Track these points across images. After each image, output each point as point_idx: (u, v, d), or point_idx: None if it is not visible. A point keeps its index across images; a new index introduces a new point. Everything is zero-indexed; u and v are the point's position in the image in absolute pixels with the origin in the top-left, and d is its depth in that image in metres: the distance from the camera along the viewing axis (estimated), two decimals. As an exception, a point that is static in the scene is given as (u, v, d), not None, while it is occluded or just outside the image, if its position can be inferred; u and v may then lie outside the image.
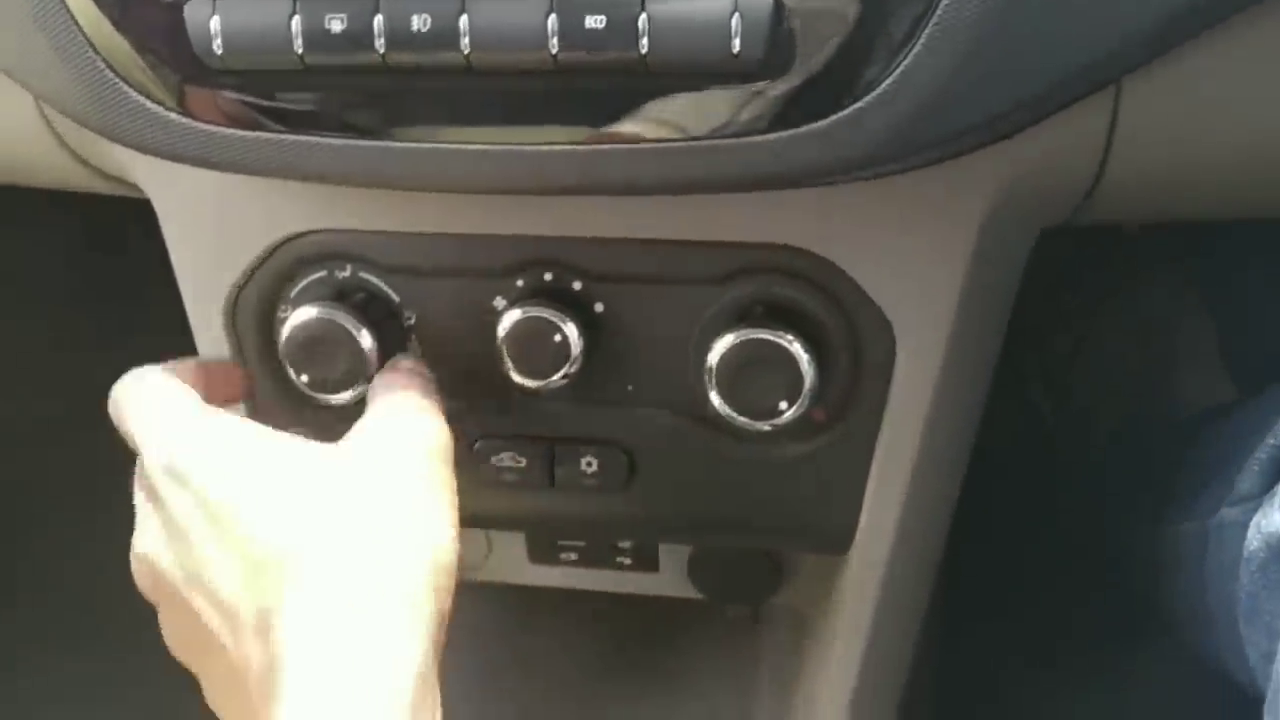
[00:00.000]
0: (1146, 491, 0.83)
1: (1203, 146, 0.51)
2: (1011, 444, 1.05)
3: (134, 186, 0.63)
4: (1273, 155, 0.50)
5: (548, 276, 0.57)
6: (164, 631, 0.50)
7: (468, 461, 0.61)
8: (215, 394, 0.56)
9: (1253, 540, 0.57)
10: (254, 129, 0.49)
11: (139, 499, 0.50)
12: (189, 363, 0.58)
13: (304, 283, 0.60)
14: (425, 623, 0.44)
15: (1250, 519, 0.57)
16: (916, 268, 0.53)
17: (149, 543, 0.49)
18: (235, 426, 0.49)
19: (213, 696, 0.49)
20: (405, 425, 0.51)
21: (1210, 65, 0.47)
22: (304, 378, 0.58)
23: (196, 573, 0.46)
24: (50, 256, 1.08)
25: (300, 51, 0.46)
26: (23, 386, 1.08)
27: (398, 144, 0.48)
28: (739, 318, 0.54)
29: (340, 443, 0.49)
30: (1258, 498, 0.59)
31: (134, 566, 0.50)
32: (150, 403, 0.51)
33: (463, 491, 0.61)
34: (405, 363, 0.57)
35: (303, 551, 0.44)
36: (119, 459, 0.53)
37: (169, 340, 0.63)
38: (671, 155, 0.45)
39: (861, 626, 0.62)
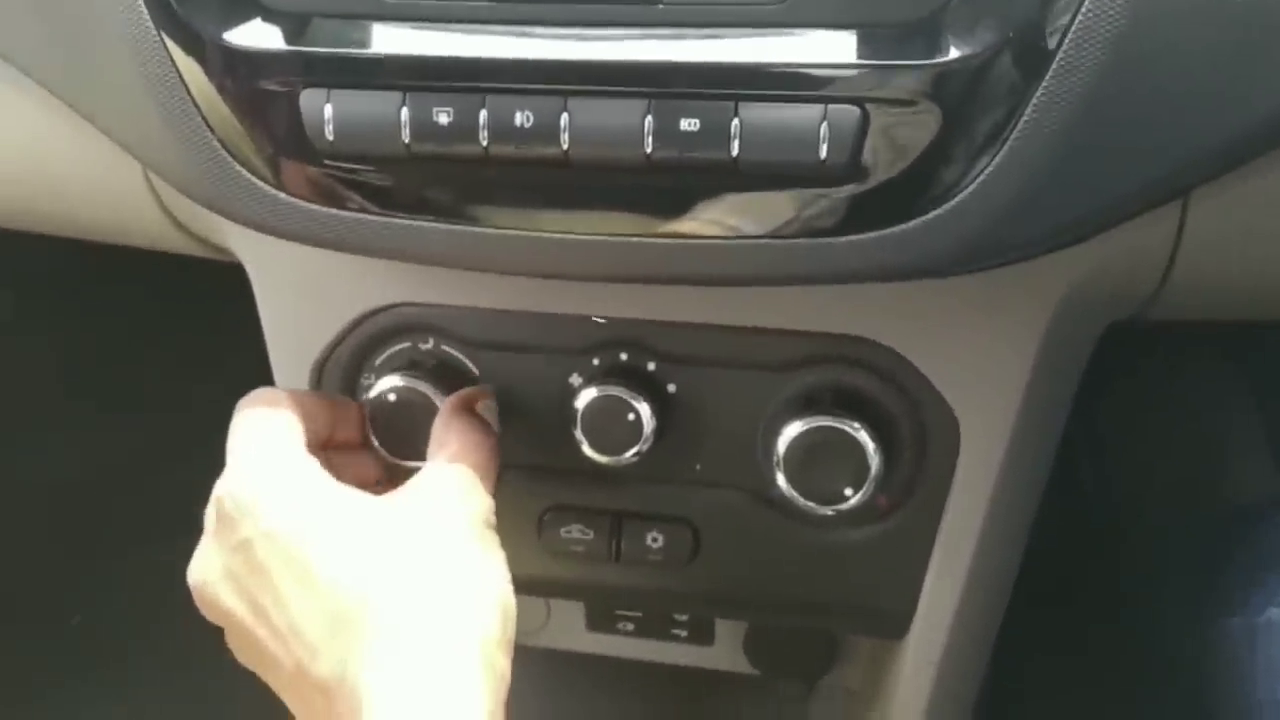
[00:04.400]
0: (1194, 585, 0.83)
1: (1269, 254, 0.52)
2: (1057, 530, 1.05)
3: (227, 252, 0.66)
4: None
5: (624, 356, 0.59)
6: (230, 644, 0.52)
7: (535, 531, 0.63)
8: (339, 432, 0.59)
9: None
10: (355, 210, 0.51)
11: (209, 520, 0.52)
12: (314, 395, 0.60)
13: (388, 353, 0.63)
14: (496, 678, 0.46)
15: None
16: (983, 362, 0.54)
17: (209, 570, 0.51)
18: (314, 474, 0.51)
19: (283, 695, 0.50)
20: (455, 492, 0.53)
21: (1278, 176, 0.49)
22: (385, 443, 0.60)
23: (266, 610, 0.48)
24: (133, 311, 1.11)
25: (407, 141, 0.48)
26: (94, 436, 1.11)
27: (493, 230, 0.50)
28: (808, 404, 0.56)
29: (395, 497, 0.52)
30: None
31: (194, 592, 0.52)
32: (250, 429, 0.53)
33: (528, 559, 0.63)
34: (476, 402, 0.59)
35: (382, 603, 0.46)
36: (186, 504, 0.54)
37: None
38: (754, 252, 0.47)
39: (914, 710, 0.63)
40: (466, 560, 0.50)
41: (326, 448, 0.57)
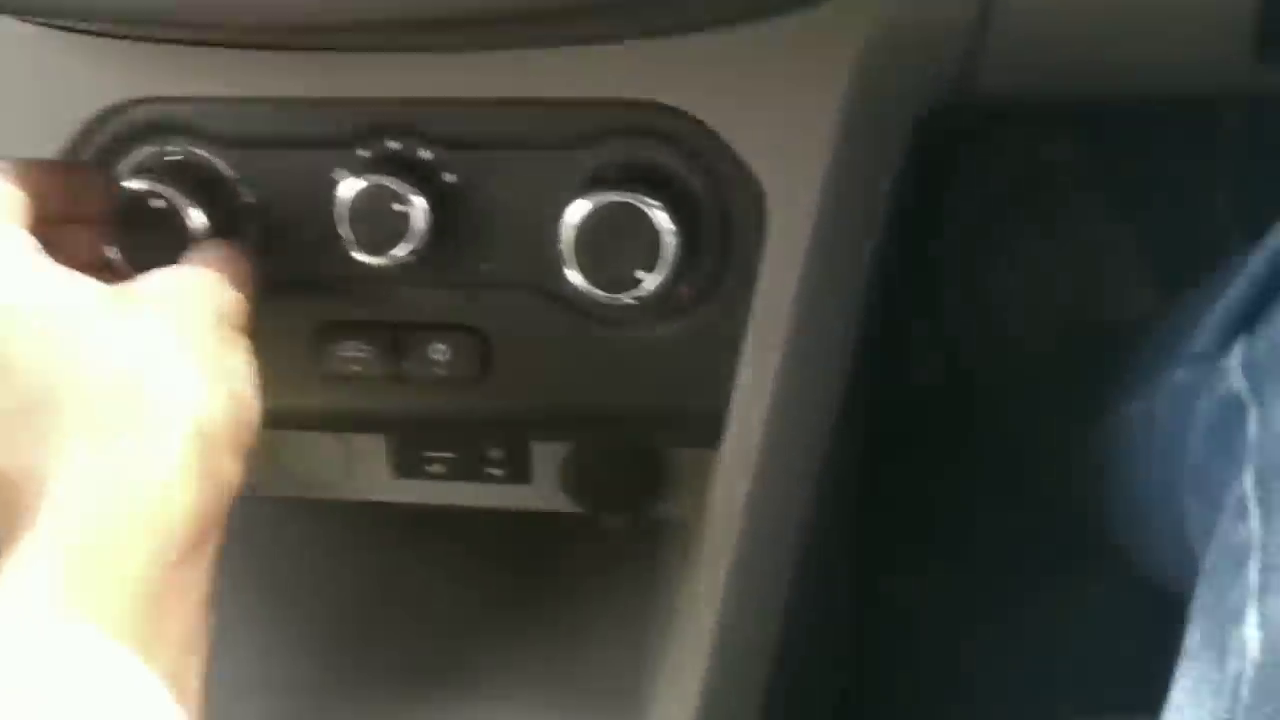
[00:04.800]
0: (1082, 393, 0.80)
1: None
2: (939, 376, 1.03)
3: None
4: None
5: (393, 145, 0.52)
6: None
7: (308, 353, 0.56)
8: (76, 206, 0.51)
9: (1204, 402, 0.54)
10: None
11: None
12: (44, 164, 0.52)
13: (131, 158, 0.55)
14: (215, 479, 0.41)
15: (1203, 380, 0.54)
16: (787, 126, 0.49)
17: None
18: (25, 253, 0.44)
19: None
20: (196, 287, 0.47)
21: None
22: (127, 256, 0.53)
23: None
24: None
25: None
26: None
27: None
28: (596, 182, 0.50)
29: (127, 285, 0.46)
30: (1213, 357, 0.55)
31: None
32: None
33: (304, 386, 0.57)
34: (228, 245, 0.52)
35: (85, 392, 0.41)
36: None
37: None
38: None
39: (732, 530, 0.58)
40: (194, 354, 0.44)
41: (60, 223, 0.50)
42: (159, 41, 0.51)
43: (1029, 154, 1.05)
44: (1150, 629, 0.55)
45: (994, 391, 1.02)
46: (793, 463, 0.58)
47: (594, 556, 0.72)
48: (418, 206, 0.50)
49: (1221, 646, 0.46)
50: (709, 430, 0.56)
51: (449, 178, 0.52)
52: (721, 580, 0.59)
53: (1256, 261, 0.54)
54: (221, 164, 0.54)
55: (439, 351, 0.55)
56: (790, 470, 0.58)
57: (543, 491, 0.68)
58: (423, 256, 0.51)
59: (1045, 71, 0.52)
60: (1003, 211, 1.04)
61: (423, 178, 0.51)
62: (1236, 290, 0.55)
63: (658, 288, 0.50)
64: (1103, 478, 0.73)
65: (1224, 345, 0.55)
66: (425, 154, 0.52)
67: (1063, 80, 0.54)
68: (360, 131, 0.52)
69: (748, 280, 0.52)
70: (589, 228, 0.49)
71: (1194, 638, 0.49)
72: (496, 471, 0.68)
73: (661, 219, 0.49)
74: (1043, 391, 0.95)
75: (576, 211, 0.49)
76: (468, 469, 0.68)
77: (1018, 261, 1.03)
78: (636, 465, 0.66)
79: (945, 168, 1.02)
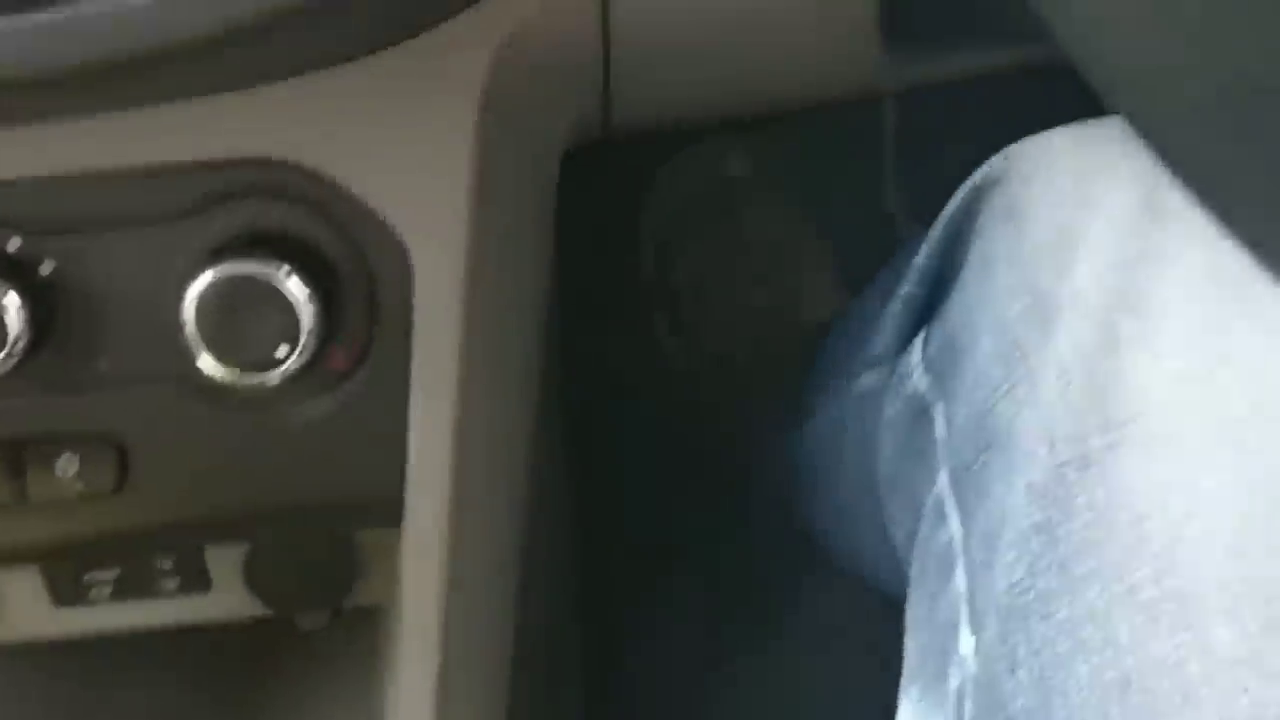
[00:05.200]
0: (786, 404, 0.79)
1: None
2: (653, 400, 1.02)
3: None
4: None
5: None
6: None
7: None
8: None
9: (891, 405, 0.52)
10: None
11: None
12: None
13: None
14: None
15: (886, 384, 0.53)
16: (418, 170, 0.45)
17: None
18: None
19: None
20: None
21: None
22: None
23: None
24: None
25: None
26: None
27: None
28: (218, 254, 0.45)
29: None
30: (893, 358, 0.54)
31: None
32: None
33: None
34: None
35: None
36: None
37: None
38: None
39: (432, 615, 0.53)
40: None
41: None
42: None
43: (711, 171, 1.05)
44: (885, 640, 0.53)
45: (709, 410, 1.02)
46: (491, 529, 0.54)
47: (297, 658, 0.65)
48: (10, 305, 0.44)
49: (940, 659, 0.44)
50: (385, 510, 0.51)
51: (45, 267, 0.46)
52: (432, 668, 0.54)
53: (922, 256, 0.53)
54: None
55: (67, 465, 0.48)
56: (488, 536, 0.54)
57: (227, 597, 0.62)
58: (26, 361, 0.45)
59: (678, 95, 0.51)
60: (696, 229, 1.05)
61: (13, 271, 0.45)
62: (907, 287, 0.54)
63: (302, 362, 0.45)
64: (809, 490, 0.72)
65: (902, 345, 0.54)
66: (13, 243, 0.46)
67: (700, 103, 0.52)
68: (-66, 225, 0.45)
69: (403, 341, 0.48)
70: (214, 306, 0.44)
71: (912, 651, 0.47)
72: (169, 584, 0.61)
73: (294, 286, 0.44)
74: (753, 405, 0.95)
75: (197, 290, 0.44)
76: (137, 586, 0.60)
77: (715, 279, 1.04)
78: (326, 554, 0.60)
79: (634, 193, 1.02)
